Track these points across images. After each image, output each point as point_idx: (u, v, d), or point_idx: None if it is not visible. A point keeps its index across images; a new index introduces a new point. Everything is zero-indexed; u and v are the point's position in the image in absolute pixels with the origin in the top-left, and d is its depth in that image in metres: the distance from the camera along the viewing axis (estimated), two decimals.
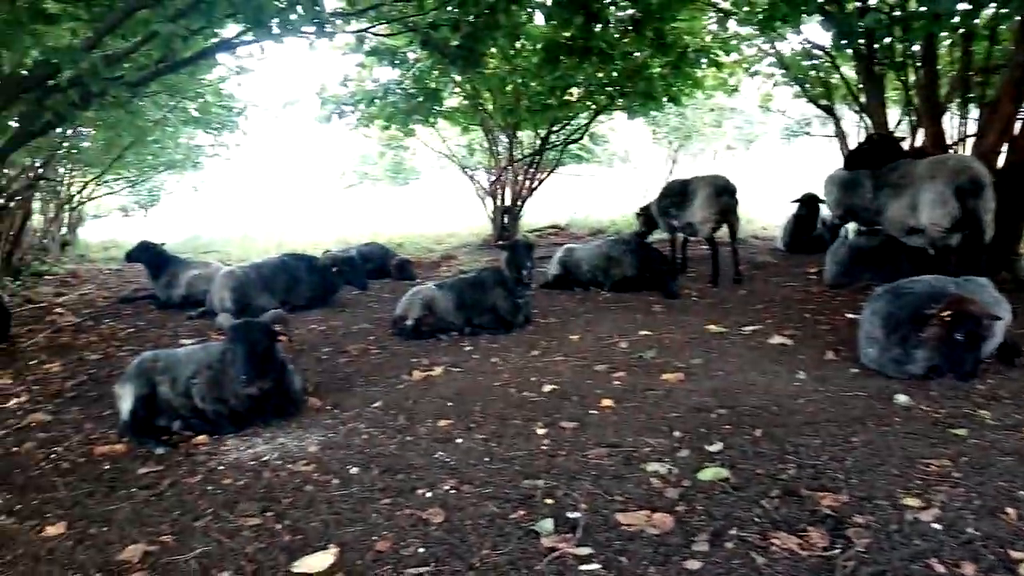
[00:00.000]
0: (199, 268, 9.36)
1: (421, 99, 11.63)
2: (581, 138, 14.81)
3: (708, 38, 11.77)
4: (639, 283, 8.27)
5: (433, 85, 11.70)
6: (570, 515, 3.09)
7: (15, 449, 4.29)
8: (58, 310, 9.37)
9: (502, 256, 6.94)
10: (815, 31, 13.11)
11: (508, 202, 14.04)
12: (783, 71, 12.23)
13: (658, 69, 11.38)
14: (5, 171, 10.38)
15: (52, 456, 4.18)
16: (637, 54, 10.87)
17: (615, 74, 11.50)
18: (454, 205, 21.97)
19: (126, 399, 4.47)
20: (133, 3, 5.65)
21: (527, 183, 14.06)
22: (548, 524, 3.00)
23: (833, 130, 12.56)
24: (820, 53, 11.25)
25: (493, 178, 14.43)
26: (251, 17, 5.82)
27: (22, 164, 11.37)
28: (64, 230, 17.35)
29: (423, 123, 13.10)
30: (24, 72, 6.08)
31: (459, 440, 4.07)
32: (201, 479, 3.75)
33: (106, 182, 17.91)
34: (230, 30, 7.23)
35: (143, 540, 3.09)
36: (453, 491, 3.41)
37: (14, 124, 6.54)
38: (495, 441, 4.03)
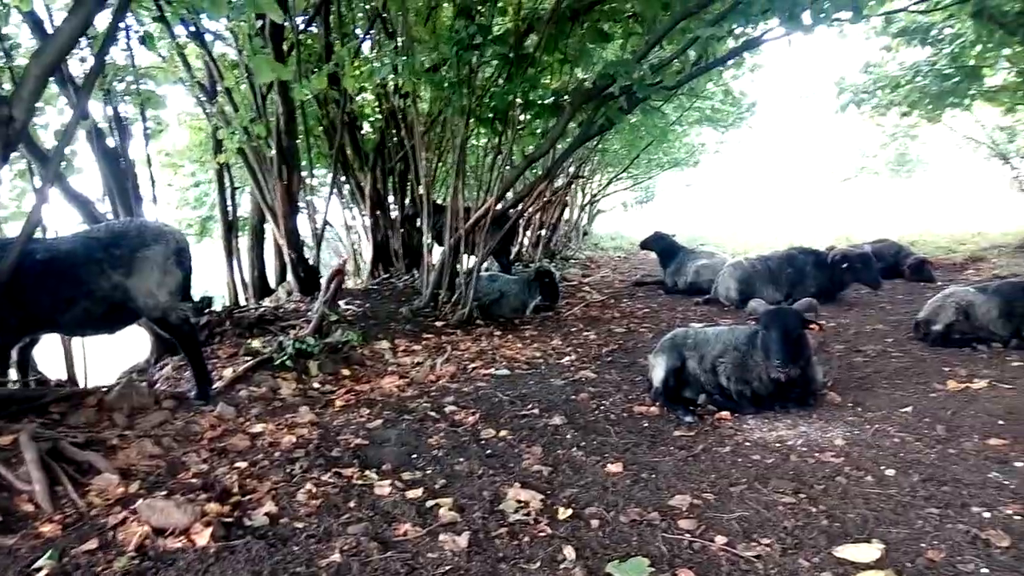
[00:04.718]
0: (705, 258, 9.94)
1: (957, 79, 10.21)
2: None
3: None
4: None
5: (973, 62, 10.16)
6: None
7: (574, 397, 5.18)
8: (585, 288, 10.97)
9: None
10: None
11: None
12: None
13: None
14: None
15: (601, 407, 4.94)
16: None
17: None
18: (977, 199, 18.90)
19: (659, 368, 5.01)
20: (679, 15, 6.24)
21: None
22: None
23: None
24: None
25: None
26: (785, 12, 5.90)
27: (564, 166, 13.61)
28: (584, 222, 20.24)
29: (955, 106, 11.51)
30: (587, 86, 7.24)
31: (1019, 464, 3.55)
32: (730, 451, 4.01)
33: (618, 180, 20.26)
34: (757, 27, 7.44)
35: (688, 492, 3.45)
36: (1018, 517, 2.98)
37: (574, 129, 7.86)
38: None
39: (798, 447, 3.98)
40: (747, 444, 4.09)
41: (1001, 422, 4.13)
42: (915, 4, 7.25)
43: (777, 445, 4.04)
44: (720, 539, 2.97)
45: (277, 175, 7.74)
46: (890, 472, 3.56)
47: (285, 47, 7.67)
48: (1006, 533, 2.85)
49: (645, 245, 11.08)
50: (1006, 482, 3.34)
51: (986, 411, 4.33)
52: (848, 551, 2.82)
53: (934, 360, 5.63)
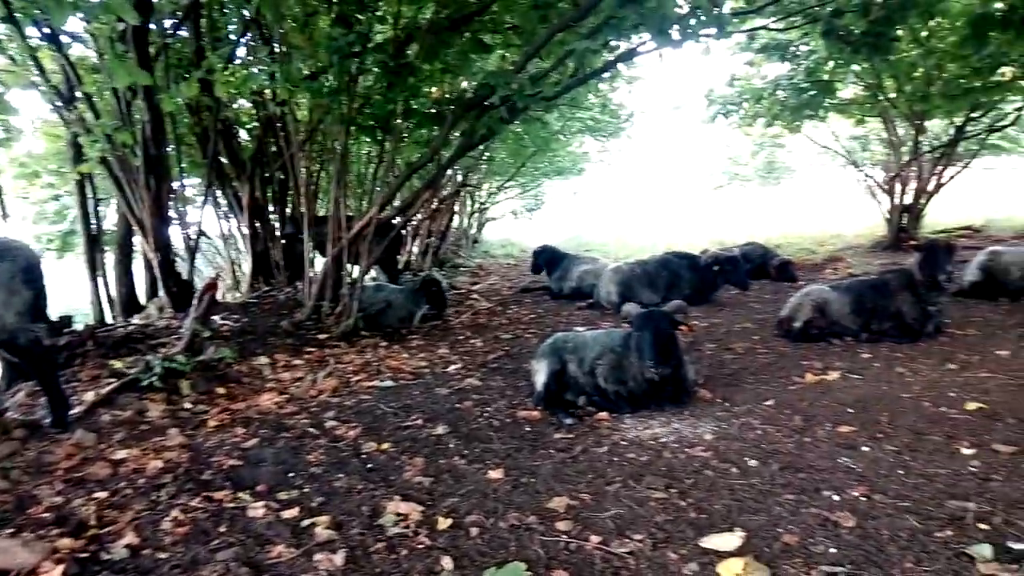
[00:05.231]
0: (588, 264, 10.22)
1: (813, 93, 11.04)
2: (1011, 125, 12.49)
3: None
4: None
5: (826, 77, 11.01)
6: (1014, 545, 2.72)
7: (458, 406, 5.18)
8: (474, 296, 11.03)
9: (914, 258, 6.29)
10: None
11: (908, 200, 12.57)
12: None
13: None
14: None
15: (485, 414, 4.97)
16: None
17: None
18: (836, 204, 20.42)
19: (541, 373, 5.11)
20: (556, 27, 6.41)
21: (933, 178, 12.41)
22: (985, 550, 2.69)
23: None
24: None
25: (891, 174, 13.05)
26: (655, 27, 6.17)
27: (448, 174, 13.63)
28: (474, 230, 20.33)
29: (812, 118, 12.42)
30: (469, 95, 7.30)
31: (865, 448, 3.85)
32: (607, 450, 4.14)
33: (506, 188, 20.50)
34: (631, 41, 7.74)
35: (565, 494, 3.53)
36: (864, 499, 3.24)
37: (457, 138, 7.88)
38: (909, 455, 3.71)
39: (671, 444, 4.16)
40: (623, 443, 4.23)
41: (851, 410, 4.46)
42: (773, 22, 7.79)
43: (651, 443, 4.20)
44: (595, 538, 3.06)
45: (145, 185, 7.32)
46: (753, 463, 3.78)
47: (152, 51, 7.28)
48: (852, 514, 3.08)
49: (535, 267, 11.24)
50: (853, 466, 3.61)
51: (838, 400, 4.67)
52: (713, 541, 2.98)
53: (794, 355, 6.04)
